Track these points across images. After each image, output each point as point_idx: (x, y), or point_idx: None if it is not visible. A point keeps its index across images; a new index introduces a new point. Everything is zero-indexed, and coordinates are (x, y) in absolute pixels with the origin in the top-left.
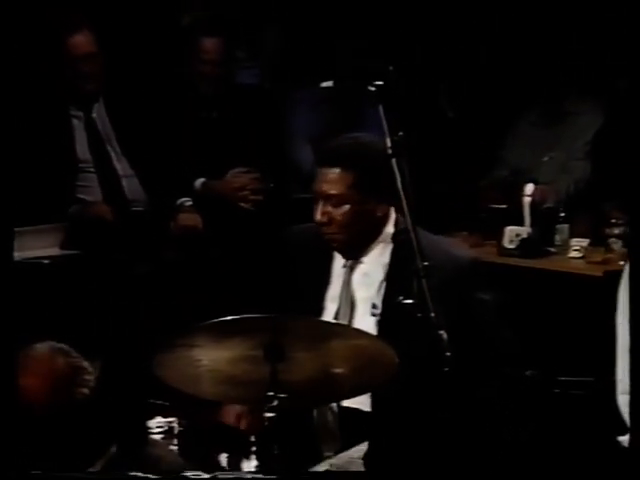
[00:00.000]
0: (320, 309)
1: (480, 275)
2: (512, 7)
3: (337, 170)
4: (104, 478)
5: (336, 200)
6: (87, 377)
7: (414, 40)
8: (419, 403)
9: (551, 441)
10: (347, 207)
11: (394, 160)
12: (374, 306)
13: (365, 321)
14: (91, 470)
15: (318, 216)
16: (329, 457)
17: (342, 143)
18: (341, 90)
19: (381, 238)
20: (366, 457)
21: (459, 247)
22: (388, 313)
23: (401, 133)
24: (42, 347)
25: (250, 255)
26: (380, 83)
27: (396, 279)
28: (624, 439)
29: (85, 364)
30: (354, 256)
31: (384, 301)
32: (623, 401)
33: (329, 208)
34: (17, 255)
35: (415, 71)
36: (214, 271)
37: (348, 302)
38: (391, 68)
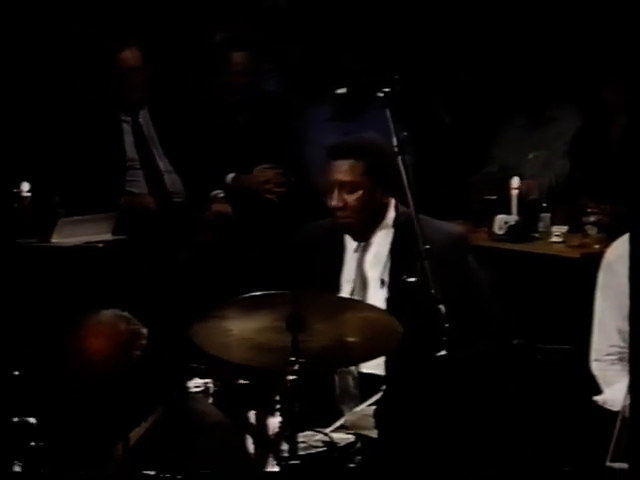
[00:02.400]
0: (336, 288)
1: (467, 246)
2: (502, 27)
3: (350, 161)
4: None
5: (350, 187)
6: (143, 341)
7: (416, 55)
8: (423, 367)
9: (535, 400)
10: (359, 193)
11: (399, 157)
12: (383, 282)
13: (377, 295)
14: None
15: (334, 202)
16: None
17: (352, 139)
18: (354, 96)
19: (385, 222)
20: (376, 413)
21: (451, 226)
22: (394, 289)
23: (405, 133)
24: (107, 313)
25: (274, 240)
26: (387, 90)
27: (399, 259)
28: (597, 398)
29: (143, 330)
30: (364, 238)
31: (390, 278)
32: (596, 366)
33: (344, 195)
34: (76, 240)
35: (417, 81)
36: (243, 254)
37: (361, 280)
38: (397, 77)
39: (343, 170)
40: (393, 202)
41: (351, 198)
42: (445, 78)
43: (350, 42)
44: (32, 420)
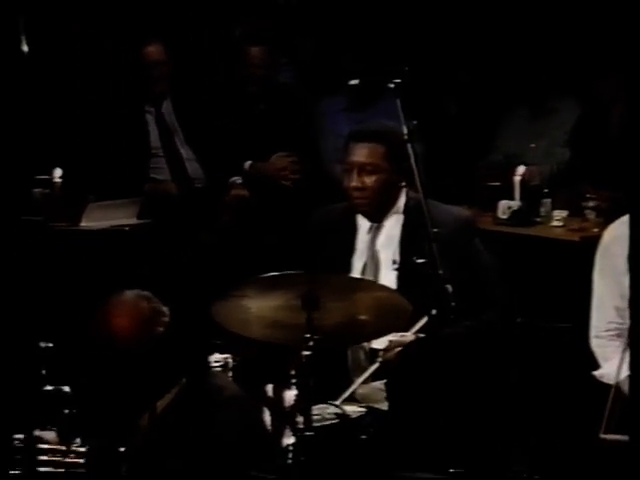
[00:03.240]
0: (349, 268)
1: (473, 228)
2: (507, 23)
3: (372, 144)
4: None
5: (370, 169)
6: (164, 319)
7: (426, 48)
8: (430, 343)
9: (537, 374)
10: (378, 175)
11: (409, 144)
12: (394, 262)
13: (388, 275)
14: None
15: (353, 183)
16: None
17: (374, 124)
18: (366, 87)
19: (396, 206)
20: (387, 386)
21: (459, 210)
22: (404, 269)
23: (415, 122)
24: (130, 293)
25: (289, 224)
26: (398, 81)
27: (409, 241)
28: (596, 373)
29: (163, 308)
30: (377, 219)
31: (401, 259)
32: (595, 343)
33: (363, 176)
34: (103, 223)
35: (425, 75)
36: (260, 237)
37: (373, 260)
38: (406, 69)
39: (364, 153)
40: (404, 188)
41: (370, 180)
42: (452, 72)
43: (358, 37)
44: (66, 389)
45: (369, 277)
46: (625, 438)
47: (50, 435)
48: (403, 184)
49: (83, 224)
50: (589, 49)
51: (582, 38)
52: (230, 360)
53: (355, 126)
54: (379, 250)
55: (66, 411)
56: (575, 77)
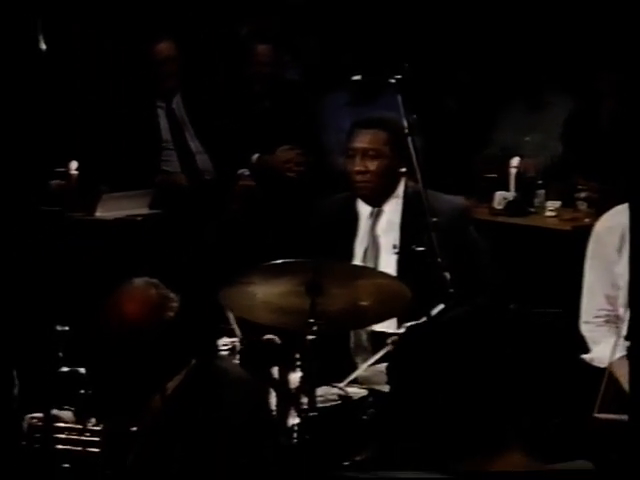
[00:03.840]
0: (351, 253)
1: (469, 217)
2: (503, 20)
3: (375, 130)
4: None
5: (373, 154)
6: (173, 304)
7: (426, 46)
8: (429, 328)
9: (528, 358)
10: (380, 160)
11: (409, 137)
12: (394, 247)
13: (389, 259)
14: None
15: (357, 167)
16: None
17: (376, 113)
18: (368, 82)
19: (396, 193)
20: (387, 369)
21: (456, 199)
22: (404, 254)
23: (414, 116)
24: (139, 281)
25: (294, 213)
26: (399, 77)
27: (409, 227)
28: (585, 356)
29: (171, 294)
30: (377, 204)
31: (401, 244)
32: (586, 328)
33: (366, 161)
34: (117, 214)
35: (426, 70)
36: (266, 226)
37: (374, 244)
38: (407, 65)
39: (367, 139)
40: (404, 175)
41: (372, 164)
42: (451, 69)
43: (361, 35)
44: (81, 370)
45: (370, 261)
46: (618, 417)
47: (67, 414)
48: (403, 170)
49: (98, 214)
50: (583, 46)
51: (577, 35)
52: (237, 344)
53: (361, 116)
54: (379, 235)
55: (82, 392)
56: (569, 72)
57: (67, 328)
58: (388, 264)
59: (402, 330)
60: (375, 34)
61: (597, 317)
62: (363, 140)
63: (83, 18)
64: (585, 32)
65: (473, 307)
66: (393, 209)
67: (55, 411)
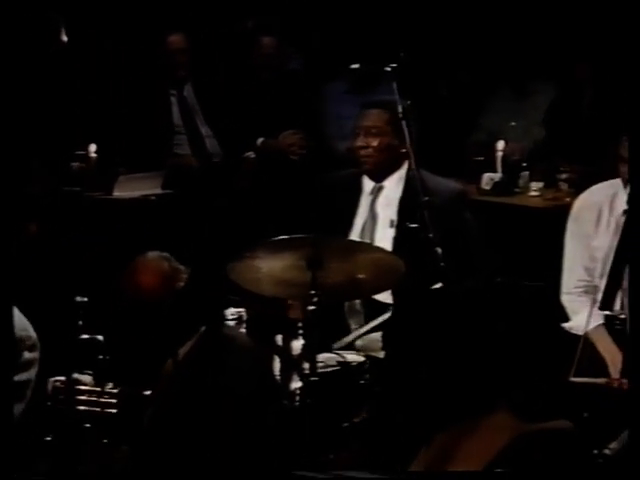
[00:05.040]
0: (350, 225)
1: (464, 200)
2: (493, 16)
3: (378, 110)
4: None
5: (375, 131)
6: (183, 275)
7: (419, 37)
8: (422, 299)
9: (513, 327)
10: (381, 137)
11: (404, 122)
12: (392, 222)
13: (385, 233)
14: None
15: (360, 142)
16: (356, 334)
17: (381, 97)
18: (365, 70)
19: (399, 172)
20: (384, 337)
21: (453, 182)
22: (400, 230)
23: (409, 102)
24: (152, 254)
25: (296, 192)
26: (394, 65)
27: (407, 205)
28: (565, 325)
29: (181, 266)
30: (379, 179)
31: (398, 220)
32: (566, 298)
33: (369, 137)
34: (132, 193)
35: (420, 59)
36: (271, 204)
37: (372, 218)
38: (402, 54)
39: (370, 117)
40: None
41: (374, 141)
42: (443, 59)
43: (359, 28)
44: (100, 338)
45: (367, 235)
46: (591, 380)
47: (86, 378)
48: (404, 150)
49: (115, 194)
50: (565, 39)
51: (559, 29)
52: (244, 314)
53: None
54: (378, 211)
55: (100, 357)
56: (552, 62)
57: (86, 299)
58: (384, 238)
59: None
60: (372, 26)
61: (577, 288)
62: (367, 119)
63: (103, 14)
64: (566, 26)
65: (463, 287)
66: (394, 187)
67: (76, 375)
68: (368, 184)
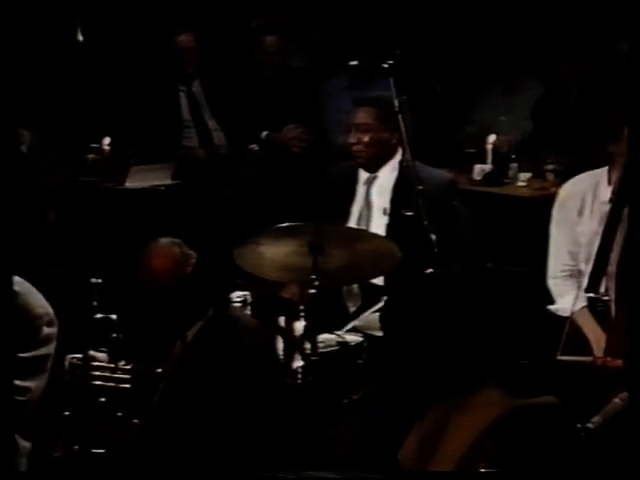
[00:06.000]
0: (348, 213)
1: (454, 189)
2: (484, 18)
3: (366, 108)
4: None
5: (365, 128)
6: (193, 260)
7: (414, 35)
8: (417, 281)
9: (503, 310)
10: (371, 133)
11: (400, 115)
12: (385, 211)
13: (380, 221)
14: None
15: (352, 139)
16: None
17: (371, 93)
18: (364, 66)
19: (391, 162)
20: (381, 317)
21: (444, 172)
22: (393, 218)
23: (405, 97)
24: (165, 240)
25: (298, 181)
26: (391, 62)
27: (400, 194)
28: (551, 307)
29: (191, 251)
30: (372, 170)
31: (391, 208)
32: (552, 282)
33: (359, 133)
34: (144, 184)
35: (415, 56)
36: (275, 193)
37: (367, 207)
38: (398, 52)
39: (360, 115)
40: (400, 149)
41: (364, 136)
42: (438, 57)
43: (359, 26)
44: (113, 317)
45: (363, 222)
46: (576, 358)
47: (101, 355)
48: (394, 142)
49: (127, 184)
50: (551, 39)
51: (545, 30)
52: (249, 297)
53: (357, 96)
54: (373, 199)
55: (114, 336)
56: (540, 60)
57: (101, 281)
58: (379, 225)
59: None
60: (370, 26)
61: (562, 272)
62: (357, 116)
63: (117, 16)
64: (553, 27)
65: (454, 271)
66: (387, 176)
67: (91, 352)
68: (363, 174)
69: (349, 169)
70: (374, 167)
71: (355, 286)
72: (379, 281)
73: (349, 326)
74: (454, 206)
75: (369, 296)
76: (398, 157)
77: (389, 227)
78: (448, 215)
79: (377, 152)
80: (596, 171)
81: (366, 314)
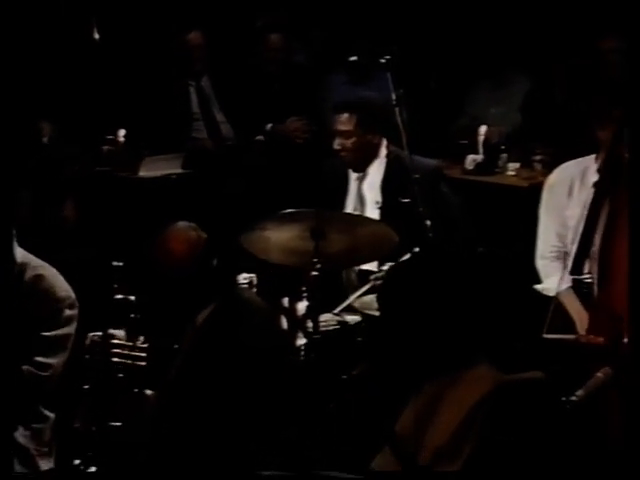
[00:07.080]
0: (343, 207)
1: (440, 175)
2: (476, 16)
3: (346, 114)
4: None
5: (347, 134)
6: (205, 243)
7: (410, 32)
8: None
9: (493, 290)
10: (354, 139)
11: (397, 109)
12: (377, 203)
13: (372, 213)
14: None
15: (336, 145)
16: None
17: (351, 97)
18: (363, 61)
19: (378, 158)
20: (378, 298)
21: (429, 160)
22: (385, 208)
23: (401, 91)
24: (181, 224)
25: (301, 170)
26: (388, 57)
27: (389, 185)
28: (537, 287)
29: (205, 235)
30: (361, 170)
31: (382, 199)
32: (540, 263)
33: (342, 139)
34: (156, 173)
35: (411, 53)
36: (279, 182)
37: (360, 201)
38: (395, 48)
39: (341, 121)
40: (385, 142)
41: (348, 142)
42: (432, 53)
43: (359, 24)
44: (132, 298)
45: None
46: (561, 336)
47: (120, 333)
48: (381, 140)
49: (141, 174)
50: (540, 35)
51: (535, 26)
52: (254, 279)
53: (338, 101)
54: (365, 194)
55: (132, 315)
56: (528, 55)
57: (121, 264)
58: (373, 216)
59: (383, 268)
60: (368, 23)
61: (551, 252)
62: (338, 123)
63: (132, 15)
64: (542, 24)
65: (447, 255)
66: (375, 171)
67: (111, 331)
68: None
69: (341, 166)
70: (362, 167)
71: (353, 276)
72: (374, 267)
73: (342, 306)
74: (442, 191)
75: (365, 279)
76: (384, 151)
77: (382, 217)
78: (436, 199)
79: (362, 154)
80: (585, 158)
81: (357, 293)
